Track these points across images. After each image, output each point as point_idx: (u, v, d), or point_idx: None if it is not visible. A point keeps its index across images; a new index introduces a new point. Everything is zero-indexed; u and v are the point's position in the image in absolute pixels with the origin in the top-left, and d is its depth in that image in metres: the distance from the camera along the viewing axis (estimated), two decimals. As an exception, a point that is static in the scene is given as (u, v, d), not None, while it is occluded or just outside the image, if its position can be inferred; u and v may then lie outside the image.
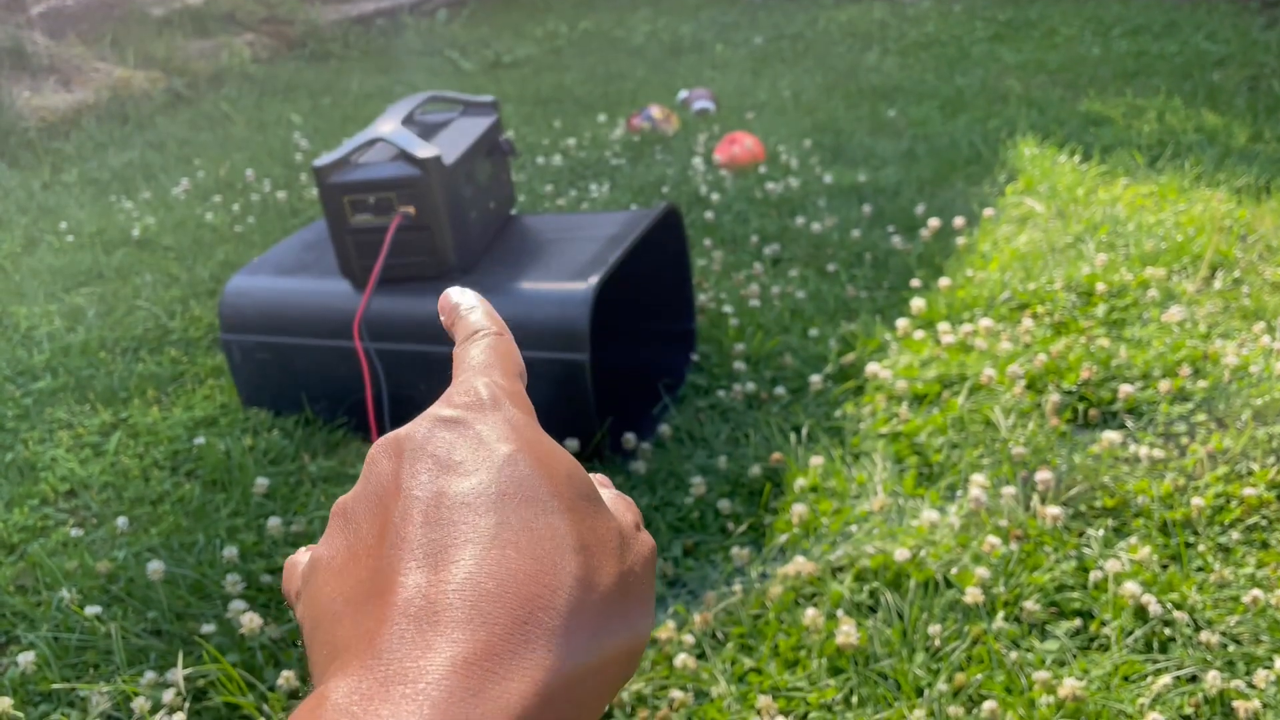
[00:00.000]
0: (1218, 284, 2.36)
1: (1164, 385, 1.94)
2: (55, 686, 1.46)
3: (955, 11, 5.84)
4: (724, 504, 1.74)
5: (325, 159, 1.85)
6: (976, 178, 3.21)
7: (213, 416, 2.11)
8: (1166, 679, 1.35)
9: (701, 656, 1.46)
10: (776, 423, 1.96)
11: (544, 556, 0.26)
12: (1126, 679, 1.37)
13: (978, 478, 1.71)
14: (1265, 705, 1.30)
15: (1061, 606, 1.49)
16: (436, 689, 0.23)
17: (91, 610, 1.56)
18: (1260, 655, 1.38)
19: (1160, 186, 2.96)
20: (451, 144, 1.93)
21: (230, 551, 1.66)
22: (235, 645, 1.49)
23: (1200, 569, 1.54)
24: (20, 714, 1.42)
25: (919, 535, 1.61)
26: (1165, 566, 1.55)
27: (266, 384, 2.07)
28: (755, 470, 1.82)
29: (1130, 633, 1.43)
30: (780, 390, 2.07)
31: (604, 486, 0.33)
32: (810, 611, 1.47)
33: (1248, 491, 1.64)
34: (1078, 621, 1.46)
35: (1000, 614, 1.47)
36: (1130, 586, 1.46)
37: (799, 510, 1.68)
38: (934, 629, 1.43)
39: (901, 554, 1.55)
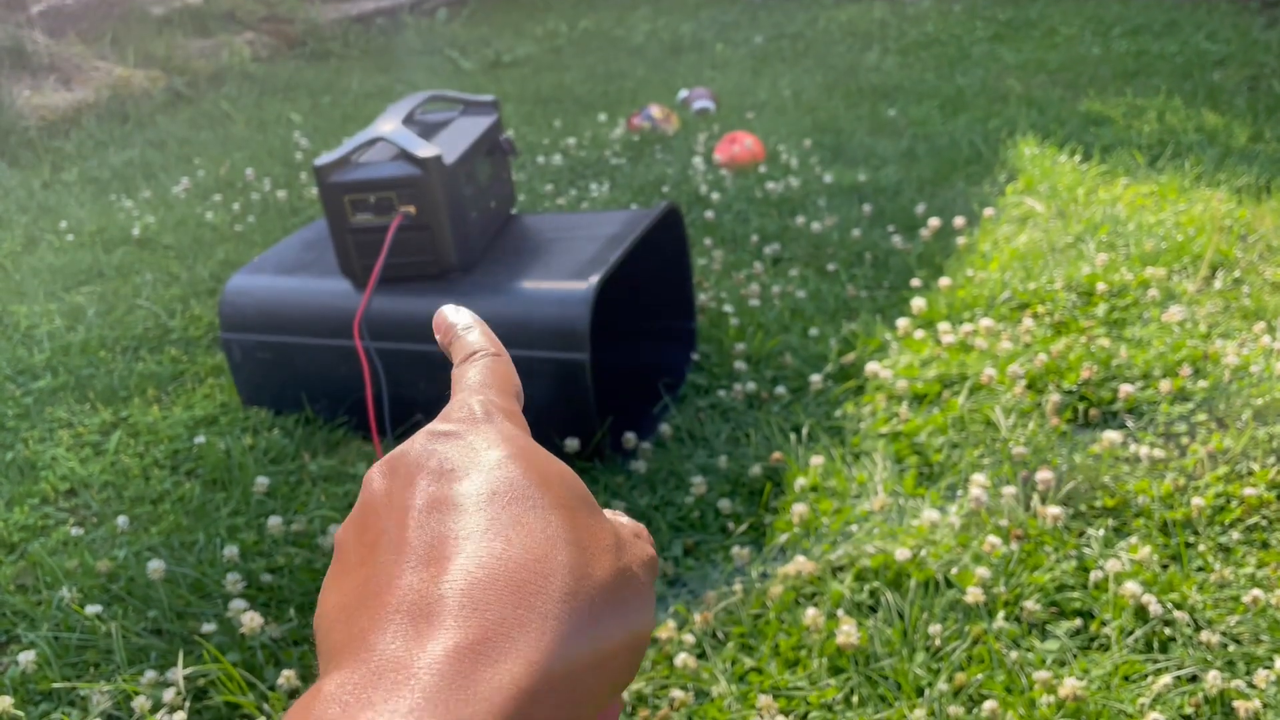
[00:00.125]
0: (1218, 284, 2.36)
1: (1164, 385, 1.94)
2: (56, 685, 1.46)
3: (955, 11, 5.84)
4: (724, 503, 1.74)
5: (326, 158, 1.85)
6: (977, 177, 3.21)
7: (213, 415, 2.11)
8: (1167, 679, 1.35)
9: (702, 656, 1.46)
10: (777, 422, 1.96)
11: (536, 548, 0.26)
12: (1127, 679, 1.37)
13: (978, 477, 1.71)
14: (1266, 705, 1.30)
15: (1062, 606, 1.49)
16: (429, 674, 0.23)
17: (92, 609, 1.56)
18: (1261, 655, 1.38)
19: (1160, 186, 2.96)
20: (452, 143, 1.93)
21: (231, 550, 1.66)
22: (236, 644, 1.49)
23: (1200, 569, 1.54)
24: (21, 713, 1.42)
25: (919, 535, 1.61)
26: (1165, 566, 1.55)
27: (267, 383, 2.07)
28: (756, 470, 1.82)
29: (1130, 632, 1.43)
30: (781, 390, 2.07)
31: (616, 515, 0.34)
32: (811, 611, 1.47)
33: (1248, 491, 1.64)
34: (1078, 621, 1.46)
35: (1001, 614, 1.47)
36: (1130, 586, 1.46)
37: (799, 510, 1.68)
38: (934, 629, 1.43)
39: (902, 554, 1.55)
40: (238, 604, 1.53)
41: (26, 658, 1.48)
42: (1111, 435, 1.80)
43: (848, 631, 1.42)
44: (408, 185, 1.81)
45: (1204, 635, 1.40)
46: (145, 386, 2.25)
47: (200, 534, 1.74)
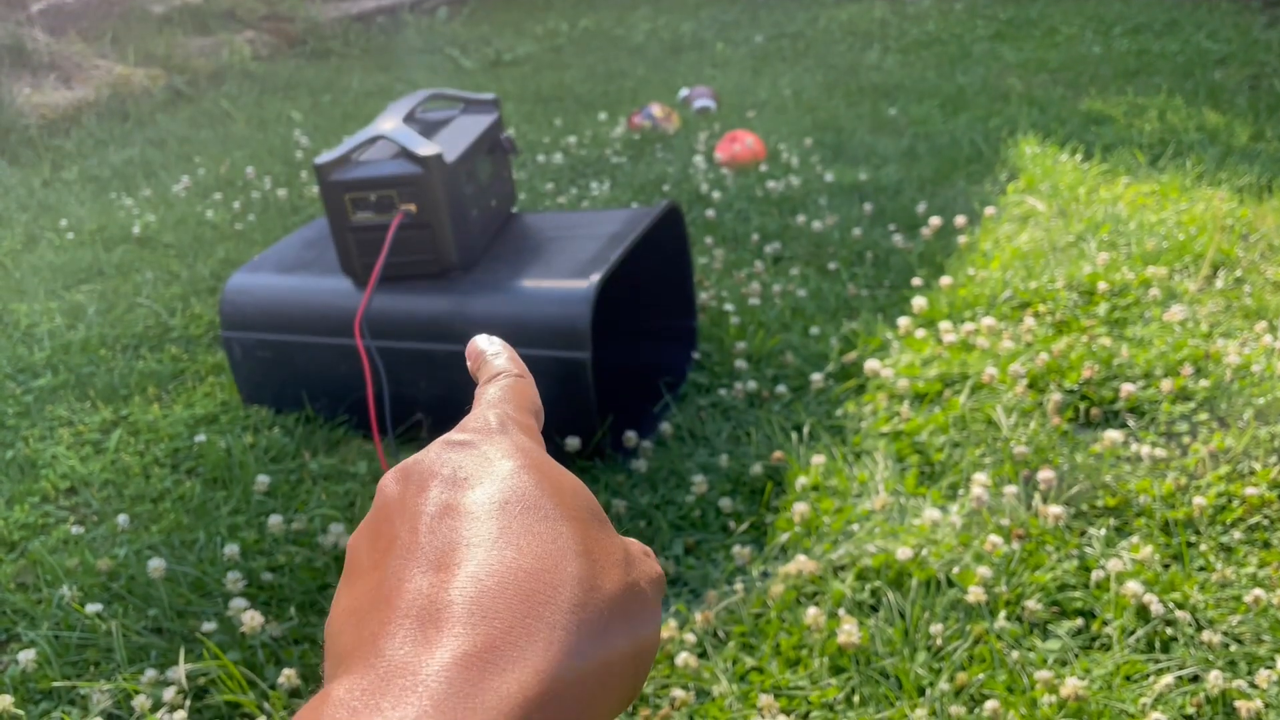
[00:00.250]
0: (1219, 283, 2.36)
1: (1166, 384, 1.94)
2: (56, 684, 1.46)
3: (956, 10, 5.84)
4: (725, 502, 1.74)
5: (326, 156, 1.84)
6: (978, 176, 3.21)
7: (213, 414, 2.11)
8: (1168, 679, 1.34)
9: (703, 655, 1.46)
10: (778, 421, 1.96)
11: (546, 556, 0.26)
12: (1128, 678, 1.37)
13: (979, 477, 1.71)
14: (1267, 705, 1.30)
15: (1063, 606, 1.49)
16: (436, 681, 0.23)
17: (92, 608, 1.56)
18: (1262, 655, 1.38)
19: (1162, 185, 2.96)
20: (453, 142, 1.93)
21: (231, 549, 1.66)
22: (236, 643, 1.49)
23: (1202, 568, 1.54)
24: (21, 712, 1.41)
25: (921, 534, 1.61)
26: (1167, 566, 1.55)
27: (267, 382, 2.06)
28: (757, 469, 1.82)
29: (1132, 632, 1.43)
30: (781, 389, 2.07)
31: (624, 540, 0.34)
32: (812, 610, 1.47)
33: (1249, 491, 1.64)
34: (1079, 621, 1.46)
35: (1002, 613, 1.47)
36: (1132, 586, 1.46)
37: (800, 509, 1.68)
38: (936, 628, 1.43)
39: (903, 553, 1.54)
40: (238, 603, 1.53)
41: (27, 656, 1.48)
42: (1113, 434, 1.80)
43: (849, 631, 1.42)
44: (408, 183, 1.80)
45: (1206, 635, 1.40)
46: (146, 385, 2.25)
47: (201, 532, 1.74)
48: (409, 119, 1.98)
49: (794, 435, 1.91)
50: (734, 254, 2.74)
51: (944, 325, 2.19)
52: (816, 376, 2.08)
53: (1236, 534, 1.59)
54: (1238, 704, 1.29)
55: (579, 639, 0.25)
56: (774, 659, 1.43)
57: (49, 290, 2.79)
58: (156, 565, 1.61)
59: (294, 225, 3.11)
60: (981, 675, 1.37)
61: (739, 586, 1.55)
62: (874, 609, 1.51)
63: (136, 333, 2.50)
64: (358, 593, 0.27)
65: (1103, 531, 1.60)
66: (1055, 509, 1.61)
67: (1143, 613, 1.45)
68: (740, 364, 2.16)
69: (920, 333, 2.20)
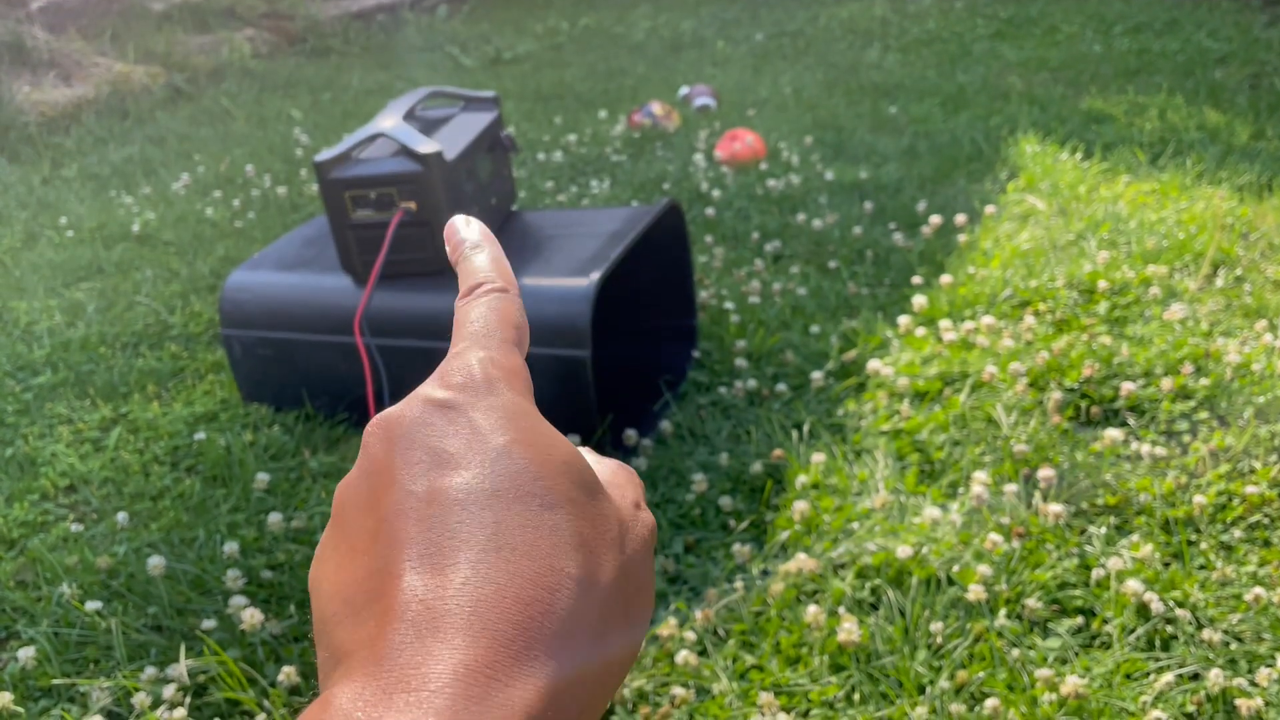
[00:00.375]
0: (1220, 282, 2.36)
1: (1166, 383, 1.94)
2: (55, 682, 1.45)
3: (956, 8, 5.83)
4: (725, 501, 1.74)
5: (326, 154, 1.84)
6: (978, 175, 3.21)
7: (213, 412, 2.11)
8: (1169, 677, 1.34)
9: (703, 653, 1.46)
10: (778, 420, 1.96)
11: (542, 557, 0.26)
12: (1129, 677, 1.37)
13: (980, 475, 1.71)
14: (1268, 703, 1.30)
15: (1063, 604, 1.49)
16: (440, 697, 0.23)
17: (92, 605, 1.56)
18: (1262, 653, 1.38)
19: (1162, 184, 2.96)
20: (452, 140, 1.93)
21: (231, 547, 1.66)
22: (236, 641, 1.49)
23: (1202, 567, 1.54)
24: (20, 709, 1.41)
25: (921, 532, 1.61)
26: (1167, 564, 1.55)
27: (267, 379, 2.06)
28: (757, 467, 1.81)
29: (1132, 630, 1.43)
30: (782, 387, 2.07)
31: (599, 460, 0.33)
32: (812, 609, 1.47)
33: (1250, 489, 1.64)
34: (1080, 619, 1.46)
35: (1002, 611, 1.47)
36: (1132, 584, 1.46)
37: (800, 507, 1.68)
38: (936, 626, 1.43)
39: (903, 551, 1.54)
40: (238, 600, 1.53)
41: (26, 654, 1.48)
42: (1113, 433, 1.80)
43: (849, 629, 1.42)
44: (408, 181, 1.80)
45: (1206, 633, 1.40)
46: (145, 383, 2.25)
47: (200, 530, 1.74)
48: (409, 117, 1.98)
49: (794, 434, 1.91)
50: (734, 252, 2.74)
51: (944, 324, 2.19)
52: (817, 375, 2.08)
53: (1237, 532, 1.59)
54: (1238, 702, 1.29)
55: (577, 645, 0.25)
56: (774, 657, 1.43)
57: (49, 288, 2.79)
58: (156, 563, 1.61)
59: (294, 223, 3.11)
60: (982, 673, 1.37)
61: (739, 585, 1.55)
62: (874, 607, 1.51)
63: (136, 330, 2.49)
64: (348, 574, 0.27)
65: (1103, 530, 1.60)
66: (1055, 507, 1.61)
67: (1143, 611, 1.45)
68: (740, 362, 2.15)
69: (920, 331, 2.20)
